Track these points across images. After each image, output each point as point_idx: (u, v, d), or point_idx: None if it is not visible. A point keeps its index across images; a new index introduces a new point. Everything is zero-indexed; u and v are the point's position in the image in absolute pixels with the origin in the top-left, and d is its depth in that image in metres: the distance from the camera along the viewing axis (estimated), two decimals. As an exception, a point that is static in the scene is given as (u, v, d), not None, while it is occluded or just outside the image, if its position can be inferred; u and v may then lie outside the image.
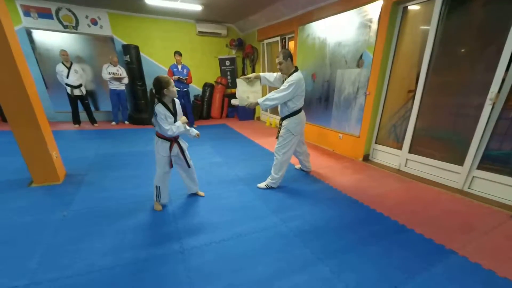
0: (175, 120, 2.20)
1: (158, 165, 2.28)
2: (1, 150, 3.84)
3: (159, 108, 2.08)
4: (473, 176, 2.75)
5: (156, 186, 2.34)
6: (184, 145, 2.39)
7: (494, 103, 2.47)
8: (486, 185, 2.66)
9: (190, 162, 2.46)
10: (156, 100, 2.12)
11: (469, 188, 2.80)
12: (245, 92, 2.86)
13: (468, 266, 1.72)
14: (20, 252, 1.78)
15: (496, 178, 2.57)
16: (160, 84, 2.05)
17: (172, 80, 2.12)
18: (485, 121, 2.55)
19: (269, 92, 2.76)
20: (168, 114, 2.12)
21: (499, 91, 2.43)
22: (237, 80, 2.86)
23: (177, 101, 2.25)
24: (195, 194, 2.71)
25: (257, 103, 2.69)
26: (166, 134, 2.14)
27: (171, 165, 2.34)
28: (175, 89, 2.14)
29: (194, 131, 2.38)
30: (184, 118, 2.26)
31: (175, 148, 2.29)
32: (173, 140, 2.25)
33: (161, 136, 2.20)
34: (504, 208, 2.44)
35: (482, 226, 2.19)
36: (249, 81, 2.85)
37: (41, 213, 2.26)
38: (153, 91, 2.12)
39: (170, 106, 2.17)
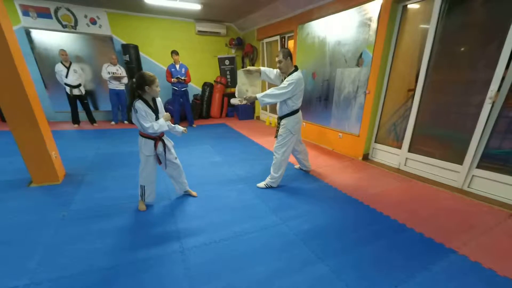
0: (157, 118, 2.14)
1: (142, 165, 2.26)
2: (0, 150, 3.83)
3: (138, 104, 2.00)
4: (473, 175, 2.75)
5: (140, 185, 2.32)
6: (169, 143, 2.34)
7: (494, 102, 2.47)
8: (486, 184, 2.66)
9: (177, 161, 2.43)
10: (136, 95, 2.04)
11: (468, 187, 2.80)
12: (244, 85, 2.83)
13: (468, 265, 1.72)
14: (20, 252, 1.78)
15: (496, 177, 2.57)
16: (143, 80, 1.97)
17: (157, 80, 2.05)
18: (485, 120, 2.54)
19: (268, 88, 2.74)
20: (149, 111, 2.06)
21: (498, 90, 2.43)
22: (238, 71, 2.83)
23: (158, 99, 2.19)
24: (187, 194, 2.69)
25: (256, 98, 2.66)
26: (147, 131, 2.08)
27: (159, 162, 2.31)
28: (158, 89, 2.07)
29: (180, 128, 2.33)
30: (167, 115, 2.19)
31: (160, 146, 2.25)
32: (157, 138, 2.21)
33: (145, 135, 2.16)
34: (504, 207, 2.44)
35: (482, 225, 2.19)
36: (249, 74, 2.82)
37: (40, 213, 2.25)
38: (134, 85, 2.02)
39: (151, 103, 2.11)
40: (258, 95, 2.64)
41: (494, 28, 2.49)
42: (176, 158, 2.42)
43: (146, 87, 2.00)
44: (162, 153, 2.30)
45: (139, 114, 2.00)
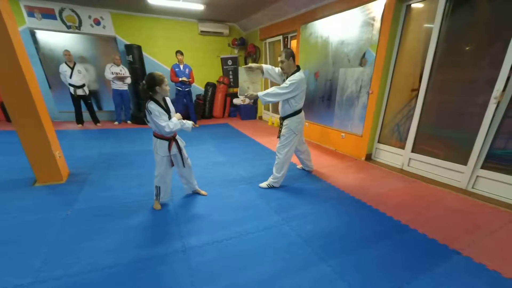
0: (169, 117, 2.17)
1: (158, 166, 2.27)
2: (5, 150, 3.87)
3: (151, 105, 2.03)
4: (477, 176, 2.72)
5: (156, 186, 2.33)
6: (182, 143, 2.37)
7: (499, 102, 2.44)
8: (491, 185, 2.63)
9: (188, 161, 2.45)
10: (147, 97, 2.08)
11: (473, 187, 2.77)
12: (245, 82, 2.81)
13: (473, 267, 1.71)
14: (24, 250, 1.79)
15: (501, 177, 2.54)
16: (154, 80, 2.01)
17: (166, 79, 2.09)
18: (490, 120, 2.52)
19: (270, 86, 2.73)
20: (161, 110, 2.09)
21: (504, 89, 2.40)
22: (239, 68, 2.82)
23: (167, 98, 2.23)
24: (196, 193, 2.71)
25: (257, 96, 2.64)
26: (163, 131, 2.10)
27: (172, 164, 2.34)
28: (168, 88, 2.11)
29: (189, 123, 2.29)
30: (178, 115, 2.23)
31: (174, 147, 2.27)
32: (171, 138, 2.23)
33: (159, 135, 2.18)
34: (509, 208, 2.41)
35: (487, 226, 2.17)
36: (251, 71, 2.80)
37: (44, 212, 2.28)
38: (145, 86, 2.06)
39: (162, 103, 2.14)
40: (260, 93, 2.63)
41: (499, 27, 2.47)
42: (187, 158, 2.45)
43: (157, 87, 2.04)
44: (176, 153, 2.32)
45: (153, 114, 2.03)
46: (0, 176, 2.97)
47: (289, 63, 2.64)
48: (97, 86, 6.30)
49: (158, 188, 2.34)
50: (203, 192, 2.71)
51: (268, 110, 7.22)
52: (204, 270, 1.66)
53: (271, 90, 2.62)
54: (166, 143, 2.21)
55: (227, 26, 7.14)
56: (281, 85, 2.63)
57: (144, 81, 2.06)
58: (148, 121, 2.12)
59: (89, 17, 5.77)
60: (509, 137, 2.56)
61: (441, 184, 2.99)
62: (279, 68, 2.80)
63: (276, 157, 2.87)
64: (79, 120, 5.79)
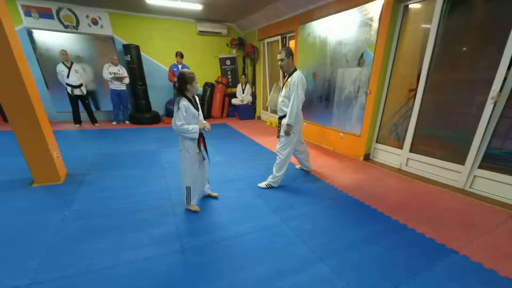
0: (199, 114, 2.22)
1: (189, 165, 2.24)
2: (2, 150, 3.85)
3: (183, 102, 2.07)
4: (475, 175, 2.73)
5: (186, 187, 2.30)
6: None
7: (496, 102, 2.46)
8: (488, 184, 2.65)
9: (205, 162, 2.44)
10: (179, 95, 2.12)
11: (470, 187, 2.79)
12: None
13: (469, 266, 1.72)
14: (21, 251, 1.78)
15: (498, 177, 2.56)
16: (185, 78, 2.08)
17: (196, 77, 2.14)
18: (487, 120, 2.53)
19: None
20: (191, 108, 2.12)
21: (501, 90, 2.42)
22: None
23: (195, 96, 2.27)
24: (208, 197, 2.68)
25: (289, 125, 2.71)
26: (174, 127, 2.09)
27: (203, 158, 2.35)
28: (198, 85, 2.16)
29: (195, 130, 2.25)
30: (204, 123, 2.25)
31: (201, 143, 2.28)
32: (200, 135, 2.23)
33: None
34: (505, 207, 2.43)
35: (484, 225, 2.18)
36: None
37: (42, 213, 2.26)
38: (176, 85, 2.12)
39: (193, 100, 2.18)
40: (289, 121, 2.68)
41: (496, 28, 2.48)
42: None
43: (188, 85, 2.10)
44: (202, 151, 2.31)
45: (181, 110, 2.05)
46: (-4, 176, 2.95)
47: (288, 62, 2.68)
48: (94, 86, 6.27)
49: (188, 189, 2.31)
50: (214, 194, 2.67)
51: (267, 110, 7.22)
52: (203, 270, 1.66)
53: (289, 110, 2.66)
54: (195, 140, 2.22)
55: (225, 26, 7.13)
56: (293, 96, 2.63)
57: (175, 81, 2.13)
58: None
59: (87, 16, 5.74)
60: (506, 137, 2.58)
61: (438, 183, 3.00)
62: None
63: (278, 157, 2.88)
64: (77, 120, 5.76)
